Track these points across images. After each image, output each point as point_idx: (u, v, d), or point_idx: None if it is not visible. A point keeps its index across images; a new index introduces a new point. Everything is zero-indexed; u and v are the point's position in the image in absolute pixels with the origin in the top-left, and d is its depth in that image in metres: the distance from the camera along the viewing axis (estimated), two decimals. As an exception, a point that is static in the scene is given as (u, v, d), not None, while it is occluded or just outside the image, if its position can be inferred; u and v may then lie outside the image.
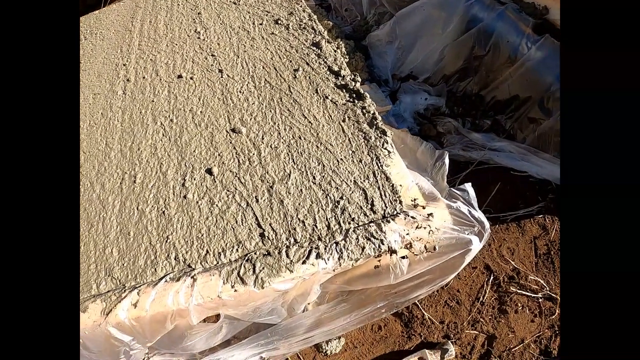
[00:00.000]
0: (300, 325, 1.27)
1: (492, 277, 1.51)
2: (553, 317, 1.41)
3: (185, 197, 1.15)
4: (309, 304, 1.26)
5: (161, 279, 1.02)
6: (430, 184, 1.16)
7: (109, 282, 1.05)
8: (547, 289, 1.46)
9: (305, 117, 1.24)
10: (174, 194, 1.16)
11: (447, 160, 1.18)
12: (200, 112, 1.32)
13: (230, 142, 1.21)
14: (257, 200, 1.09)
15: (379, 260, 1.06)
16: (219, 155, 1.20)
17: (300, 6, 1.72)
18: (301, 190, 1.09)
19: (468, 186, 1.15)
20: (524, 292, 1.47)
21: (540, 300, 1.45)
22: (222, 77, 1.41)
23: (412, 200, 1.09)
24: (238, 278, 0.99)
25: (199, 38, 1.61)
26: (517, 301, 1.47)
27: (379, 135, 1.19)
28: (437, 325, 1.43)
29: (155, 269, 1.05)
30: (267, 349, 1.26)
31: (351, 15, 2.29)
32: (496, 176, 1.65)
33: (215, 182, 1.15)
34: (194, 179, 1.17)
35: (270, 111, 1.27)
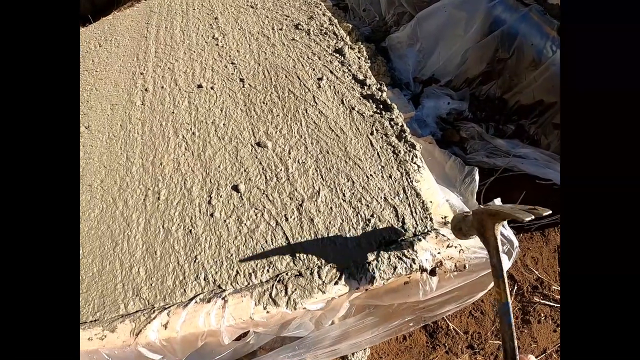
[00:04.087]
0: (327, 337, 1.25)
1: (515, 287, 1.47)
2: (579, 328, 1.38)
3: (212, 215, 1.12)
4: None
5: (191, 299, 1.00)
6: (460, 200, 1.12)
7: (137, 302, 1.03)
8: (553, 298, 1.43)
9: (332, 130, 1.19)
10: (200, 212, 1.13)
11: (477, 177, 1.14)
12: (223, 124, 1.27)
13: (256, 157, 1.17)
14: (286, 219, 1.06)
15: (409, 277, 1.03)
16: (245, 171, 1.16)
17: (320, 10, 1.65)
18: (331, 208, 1.06)
19: (498, 202, 1.11)
20: (547, 302, 1.44)
21: (565, 310, 1.42)
22: (243, 86, 1.36)
23: (442, 218, 1.05)
24: (270, 299, 0.97)
25: (217, 45, 1.55)
26: (540, 311, 1.44)
27: (408, 149, 1.14)
28: (462, 335, 1.41)
29: (184, 290, 1.03)
30: (294, 361, 1.25)
31: (369, 15, 2.21)
32: (521, 184, 1.60)
33: (242, 199, 1.12)
34: (220, 196, 1.14)
35: (296, 123, 1.22)
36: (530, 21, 1.69)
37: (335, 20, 1.58)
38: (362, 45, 1.75)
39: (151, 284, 1.05)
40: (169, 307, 0.99)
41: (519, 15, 1.70)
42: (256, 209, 1.10)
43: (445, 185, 1.21)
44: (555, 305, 1.45)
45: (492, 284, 1.10)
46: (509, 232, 1.07)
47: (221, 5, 1.78)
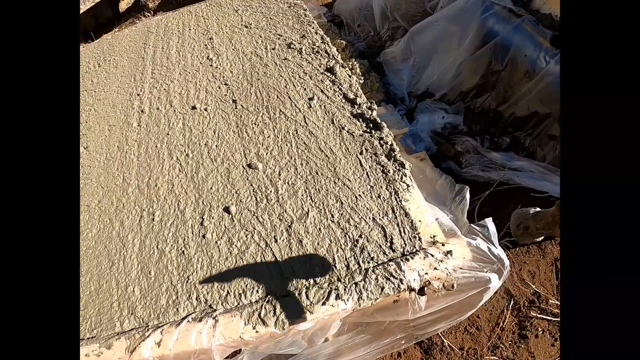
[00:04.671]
0: (320, 355, 1.30)
1: (512, 302, 1.51)
2: (578, 344, 1.41)
3: (204, 236, 1.19)
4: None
5: (183, 319, 1.07)
6: (449, 219, 1.18)
7: (132, 320, 1.11)
8: (549, 311, 1.47)
9: (322, 151, 1.26)
10: (192, 233, 1.21)
11: (467, 195, 1.19)
12: (216, 146, 1.35)
13: (247, 179, 1.25)
14: (275, 241, 1.13)
15: (398, 296, 1.08)
16: (236, 192, 1.24)
17: (313, 28, 1.73)
18: (320, 229, 1.12)
19: (488, 221, 1.16)
20: (544, 316, 1.48)
21: (563, 326, 1.45)
22: (236, 108, 1.44)
23: (431, 237, 1.11)
24: (259, 319, 1.03)
25: (211, 65, 1.64)
26: (537, 325, 1.47)
27: (397, 168, 1.21)
28: (457, 352, 1.45)
29: (177, 309, 1.10)
30: (288, 380, 1.30)
31: (364, 30, 2.29)
32: (517, 197, 1.65)
33: (233, 221, 1.19)
34: (212, 218, 1.21)
35: (286, 144, 1.30)
36: (523, 32, 1.75)
37: (327, 39, 1.66)
38: (355, 62, 1.83)
39: (145, 303, 1.12)
40: (163, 325, 1.07)
41: (511, 26, 1.76)
42: (246, 230, 1.17)
43: (436, 203, 1.26)
44: (553, 319, 1.48)
45: (482, 303, 1.15)
46: (499, 251, 1.13)
47: (216, 25, 1.88)
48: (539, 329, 1.48)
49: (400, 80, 1.93)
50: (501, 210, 1.65)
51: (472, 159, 1.72)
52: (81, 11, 2.90)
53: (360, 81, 1.76)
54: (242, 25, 1.84)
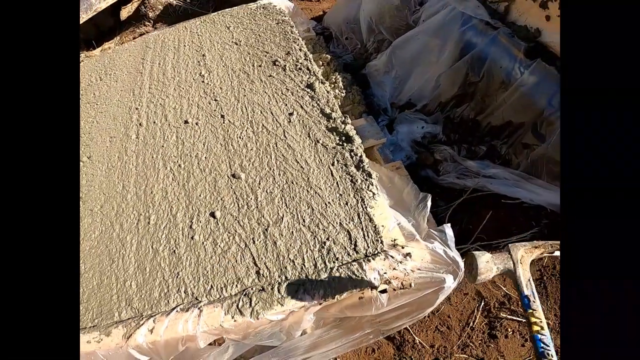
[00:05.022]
0: (298, 347, 1.48)
1: (482, 303, 1.66)
2: (543, 342, 1.55)
3: (192, 238, 1.39)
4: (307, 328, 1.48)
5: (173, 309, 1.27)
6: (411, 224, 1.34)
7: (129, 310, 1.31)
8: None
9: (298, 162, 1.45)
10: (183, 235, 1.41)
11: (429, 203, 1.36)
12: (205, 157, 1.55)
13: (231, 187, 1.44)
14: (254, 242, 1.32)
15: (362, 294, 1.26)
16: (221, 199, 1.44)
17: (297, 45, 1.92)
18: (292, 232, 1.31)
19: (447, 227, 1.33)
20: (514, 318, 1.62)
21: (531, 325, 1.59)
22: (224, 122, 1.64)
23: (392, 241, 1.28)
24: (237, 310, 1.22)
25: (203, 82, 1.85)
26: (507, 326, 1.62)
27: (365, 177, 1.38)
28: (428, 349, 1.61)
29: (168, 301, 1.30)
30: (269, 369, 1.49)
31: (351, 43, 2.47)
32: (490, 203, 1.79)
33: (218, 224, 1.39)
34: (200, 222, 1.41)
35: (267, 157, 1.49)
36: (499, 44, 1.89)
37: (310, 56, 1.85)
38: (338, 76, 2.01)
39: (141, 296, 1.33)
40: (155, 315, 1.27)
41: (488, 38, 1.91)
42: (229, 232, 1.36)
43: (401, 210, 1.43)
44: (523, 320, 1.63)
45: (438, 301, 1.32)
46: (454, 254, 1.29)
47: (209, 42, 2.09)
48: (509, 330, 1.62)
49: (383, 92, 2.10)
50: (475, 216, 1.80)
51: (449, 167, 1.88)
52: (82, 20, 3.09)
53: (342, 94, 1.95)
54: (232, 42, 2.04)
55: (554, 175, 1.72)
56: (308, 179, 1.40)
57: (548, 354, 0.81)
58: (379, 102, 2.12)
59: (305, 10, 3.08)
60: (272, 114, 1.62)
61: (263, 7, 2.25)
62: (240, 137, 1.57)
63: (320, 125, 1.54)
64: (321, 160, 1.44)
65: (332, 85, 1.96)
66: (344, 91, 1.94)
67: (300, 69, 1.79)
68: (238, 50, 1.98)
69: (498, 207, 1.79)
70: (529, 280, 0.93)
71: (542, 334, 0.84)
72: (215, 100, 1.74)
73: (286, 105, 1.64)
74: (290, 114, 1.60)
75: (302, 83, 1.72)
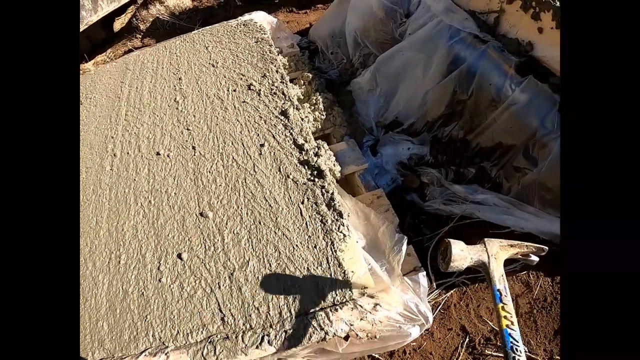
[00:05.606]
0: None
1: (467, 339, 1.60)
2: (533, 381, 1.48)
3: (160, 280, 1.37)
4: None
5: (142, 352, 1.27)
6: (384, 269, 1.29)
7: (102, 351, 1.32)
8: (527, 349, 1.53)
9: (267, 200, 1.40)
10: (151, 277, 1.39)
11: (404, 247, 1.30)
12: (175, 193, 1.53)
13: (199, 227, 1.41)
14: (219, 287, 1.29)
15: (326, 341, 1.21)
16: (188, 240, 1.41)
17: (275, 66, 1.86)
18: (258, 277, 1.27)
19: (421, 276, 1.27)
20: (500, 354, 1.55)
21: (519, 363, 1.52)
22: (194, 154, 1.61)
23: (362, 288, 1.23)
24: (202, 358, 1.20)
25: (177, 108, 1.82)
26: (493, 364, 1.55)
27: (336, 218, 1.33)
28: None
29: (137, 344, 1.29)
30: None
31: (337, 57, 2.39)
32: (478, 231, 1.71)
33: (185, 267, 1.36)
34: (167, 264, 1.39)
35: (235, 193, 1.45)
36: (489, 59, 1.79)
37: (287, 78, 1.79)
38: (319, 97, 1.94)
39: (112, 337, 1.33)
40: (125, 357, 1.27)
41: (477, 53, 1.81)
42: (195, 276, 1.34)
43: (375, 251, 1.38)
44: (513, 357, 1.55)
45: (399, 346, 1.26)
46: (425, 308, 1.23)
47: (186, 64, 2.05)
48: (495, 367, 1.55)
49: (368, 111, 2.02)
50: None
51: (435, 192, 1.80)
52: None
53: (322, 117, 1.88)
54: (209, 64, 2.00)
55: (545, 202, 1.62)
56: (276, 219, 1.36)
57: (517, 350, 0.81)
58: (364, 121, 2.05)
59: (291, 23, 2.99)
60: (243, 145, 1.57)
61: (244, 25, 2.19)
62: (210, 172, 1.53)
63: (291, 158, 1.49)
64: (291, 197, 1.39)
65: (313, 107, 1.90)
66: (324, 113, 1.87)
67: (275, 93, 1.73)
68: (214, 72, 1.94)
69: (487, 235, 1.71)
70: (502, 275, 0.93)
71: (511, 329, 0.84)
72: (188, 129, 1.70)
73: (258, 135, 1.59)
74: (262, 145, 1.55)
75: (276, 109, 1.67)
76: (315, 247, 1.30)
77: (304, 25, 2.92)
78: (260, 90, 1.77)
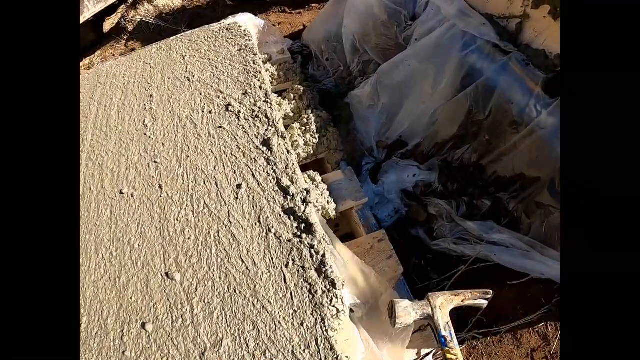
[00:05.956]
0: None
1: (481, 402, 1.36)
2: None
3: (124, 353, 1.12)
4: None
5: None
6: (385, 354, 1.03)
7: None
8: None
9: (244, 262, 1.13)
10: (114, 348, 1.14)
11: (411, 331, 1.04)
12: (138, 245, 1.25)
13: (165, 291, 1.15)
14: (187, 371, 1.03)
15: None
16: (154, 306, 1.15)
17: (258, 80, 1.54)
18: (233, 362, 1.01)
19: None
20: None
21: None
22: (161, 195, 1.32)
23: (358, 378, 0.97)
24: None
25: (145, 134, 1.51)
26: None
27: (328, 287, 1.06)
28: None
29: None
30: None
31: (333, 64, 2.04)
32: (493, 276, 1.44)
33: (150, 340, 1.11)
34: (131, 334, 1.13)
35: (206, 250, 1.17)
36: (511, 74, 1.46)
37: (272, 96, 1.47)
38: (311, 115, 1.63)
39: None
40: None
41: (496, 66, 1.47)
42: (162, 352, 1.08)
43: (375, 327, 1.10)
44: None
45: None
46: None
47: (160, 77, 1.72)
48: None
49: (368, 129, 1.71)
50: (474, 291, 1.45)
51: (444, 229, 1.52)
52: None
53: (315, 140, 1.57)
54: (185, 77, 1.67)
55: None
56: (255, 286, 1.09)
57: None
58: (364, 140, 1.74)
59: (284, 24, 2.59)
60: (217, 185, 1.28)
61: (227, 29, 1.84)
62: (177, 219, 1.25)
63: (274, 205, 1.20)
64: (272, 259, 1.11)
65: (303, 128, 1.59)
66: (317, 135, 1.57)
67: (257, 116, 1.42)
68: (189, 88, 1.62)
69: (503, 281, 1.44)
70: (447, 323, 0.99)
71: None
72: (155, 162, 1.41)
73: (235, 172, 1.30)
74: (239, 187, 1.26)
75: (257, 138, 1.37)
76: (302, 324, 1.03)
77: (298, 27, 2.53)
78: (239, 112, 1.46)
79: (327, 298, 1.04)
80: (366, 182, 1.64)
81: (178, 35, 1.95)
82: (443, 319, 0.99)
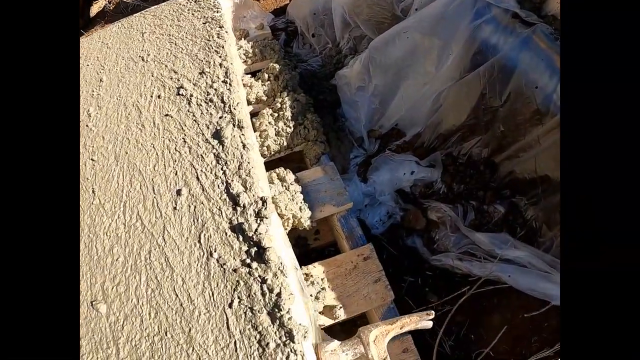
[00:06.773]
0: None
1: None
2: None
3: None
4: None
5: None
6: None
7: None
8: None
9: (177, 296, 0.80)
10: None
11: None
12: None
13: (90, 325, 0.85)
14: None
15: None
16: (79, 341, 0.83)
17: (220, 57, 1.18)
18: None
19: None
20: None
21: None
22: (92, 202, 1.00)
23: None
24: None
25: (87, 125, 1.18)
26: None
27: (284, 340, 0.73)
28: None
29: None
30: None
31: (320, 41, 1.63)
32: (506, 302, 1.09)
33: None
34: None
35: (135, 277, 0.85)
36: (535, 50, 1.04)
37: (233, 75, 1.11)
38: (286, 99, 1.25)
39: None
40: None
41: (517, 40, 1.06)
42: (76, 408, 0.78)
43: None
44: None
45: None
46: None
47: (114, 58, 1.36)
48: None
49: (358, 115, 1.33)
50: (484, 321, 1.09)
51: (447, 239, 1.16)
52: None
53: (289, 129, 1.20)
54: (139, 56, 1.31)
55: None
56: (190, 330, 0.76)
57: None
58: (352, 129, 1.37)
59: None
60: (154, 190, 0.95)
61: (195, 1, 1.45)
62: (107, 234, 0.93)
63: (219, 219, 0.87)
64: (213, 295, 0.78)
65: (276, 115, 1.22)
66: (291, 123, 1.20)
67: (211, 100, 1.07)
68: (141, 70, 1.26)
69: (517, 307, 1.08)
70: (386, 358, 0.81)
71: None
72: (92, 160, 1.08)
73: (176, 173, 0.96)
74: (179, 193, 0.93)
75: (208, 128, 1.02)
76: (246, 388, 0.70)
77: (284, 2, 2.09)
78: (192, 95, 1.11)
79: (283, 354, 0.71)
80: (353, 181, 1.27)
81: (143, 11, 1.57)
82: (380, 354, 0.81)
